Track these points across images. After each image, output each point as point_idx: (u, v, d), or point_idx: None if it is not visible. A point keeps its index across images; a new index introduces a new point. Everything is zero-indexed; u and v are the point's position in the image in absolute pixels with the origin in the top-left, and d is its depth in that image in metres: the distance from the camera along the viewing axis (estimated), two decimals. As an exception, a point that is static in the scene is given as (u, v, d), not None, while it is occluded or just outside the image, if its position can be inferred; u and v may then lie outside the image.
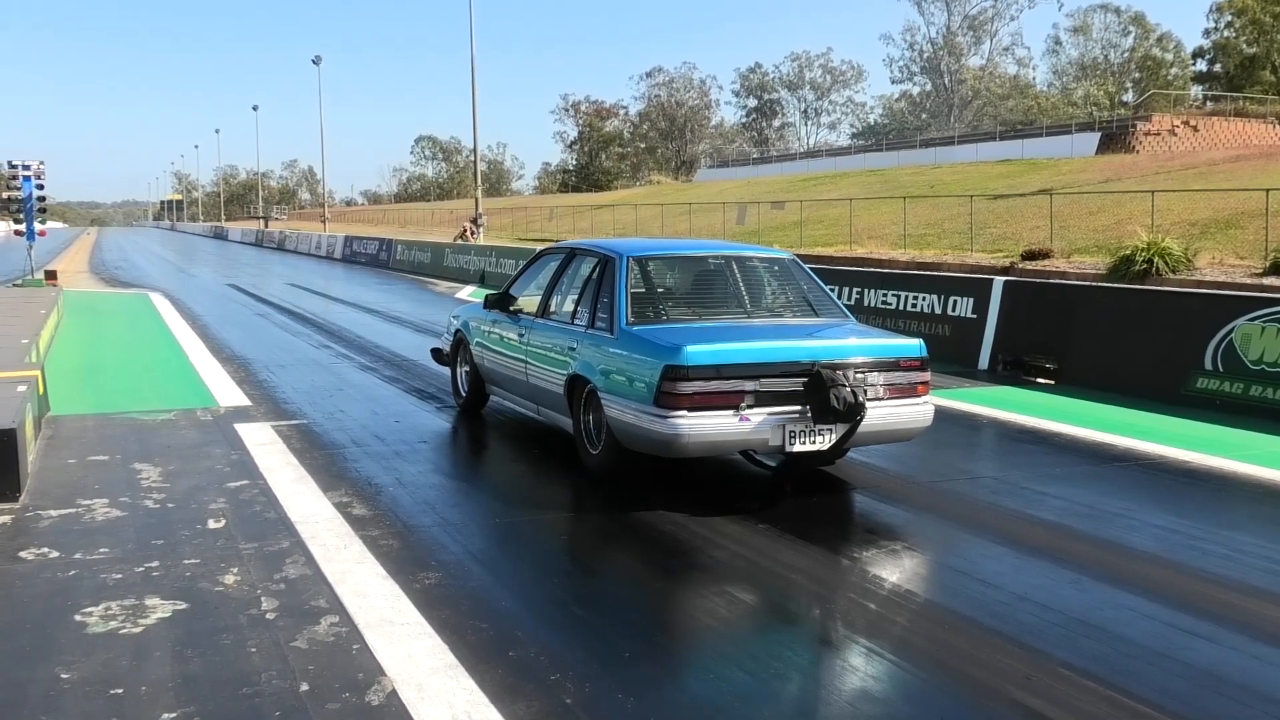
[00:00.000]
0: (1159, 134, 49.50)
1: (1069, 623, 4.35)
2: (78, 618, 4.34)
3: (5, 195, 20.31)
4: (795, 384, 5.96)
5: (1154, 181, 29.44)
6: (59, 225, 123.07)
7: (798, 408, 5.96)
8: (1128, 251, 20.75)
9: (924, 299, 12.43)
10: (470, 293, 22.50)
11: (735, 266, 7.37)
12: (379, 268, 34.89)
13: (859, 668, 3.99)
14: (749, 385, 5.90)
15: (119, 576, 4.83)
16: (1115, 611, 4.50)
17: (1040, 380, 10.52)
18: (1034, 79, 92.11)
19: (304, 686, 3.71)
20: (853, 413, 5.93)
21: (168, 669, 3.87)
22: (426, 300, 21.82)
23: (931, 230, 31.09)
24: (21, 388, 7.22)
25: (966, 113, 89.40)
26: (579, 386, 6.74)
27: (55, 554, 5.15)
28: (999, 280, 11.96)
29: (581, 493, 6.60)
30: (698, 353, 5.88)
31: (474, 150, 42.63)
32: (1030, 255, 24.05)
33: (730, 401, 5.88)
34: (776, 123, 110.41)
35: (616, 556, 5.49)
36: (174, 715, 3.51)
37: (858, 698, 3.73)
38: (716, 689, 3.77)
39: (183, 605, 4.48)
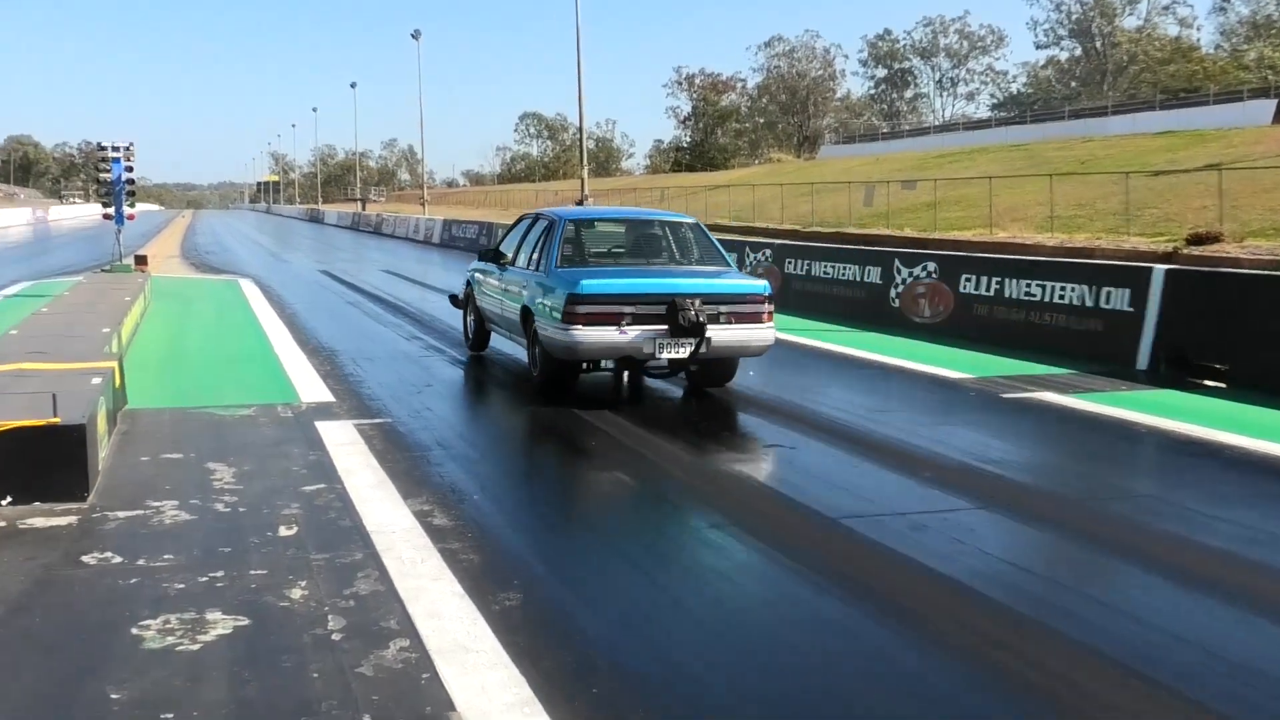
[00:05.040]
0: (1348, 101, 47.02)
1: (1234, 670, 4.01)
2: (134, 631, 4.34)
3: (99, 178, 20.92)
4: (660, 309, 8.68)
5: (1342, 156, 27.91)
6: (155, 208, 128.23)
7: (663, 327, 8.65)
8: (1311, 236, 19.67)
9: (1072, 290, 11.91)
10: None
11: (647, 227, 10.65)
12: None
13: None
14: (628, 309, 8.69)
15: (181, 586, 4.83)
16: (1298, 661, 4.13)
17: (1209, 383, 9.98)
18: (1198, 40, 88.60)
19: (365, 718, 3.62)
20: (696, 330, 8.63)
21: (223, 692, 3.82)
22: (525, 288, 21.86)
23: (1082, 212, 30.05)
24: (96, 380, 7.33)
25: (1121, 80, 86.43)
26: (529, 317, 9.44)
27: (118, 559, 5.18)
28: (1160, 269, 11.39)
29: (681, 508, 6.43)
30: (590, 285, 8.81)
31: (580, 128, 42.80)
32: (1196, 239, 23.06)
33: (613, 319, 8.66)
34: (908, 94, 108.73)
35: (720, 583, 5.29)
36: (224, 747, 3.45)
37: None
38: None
39: (245, 621, 4.45)
